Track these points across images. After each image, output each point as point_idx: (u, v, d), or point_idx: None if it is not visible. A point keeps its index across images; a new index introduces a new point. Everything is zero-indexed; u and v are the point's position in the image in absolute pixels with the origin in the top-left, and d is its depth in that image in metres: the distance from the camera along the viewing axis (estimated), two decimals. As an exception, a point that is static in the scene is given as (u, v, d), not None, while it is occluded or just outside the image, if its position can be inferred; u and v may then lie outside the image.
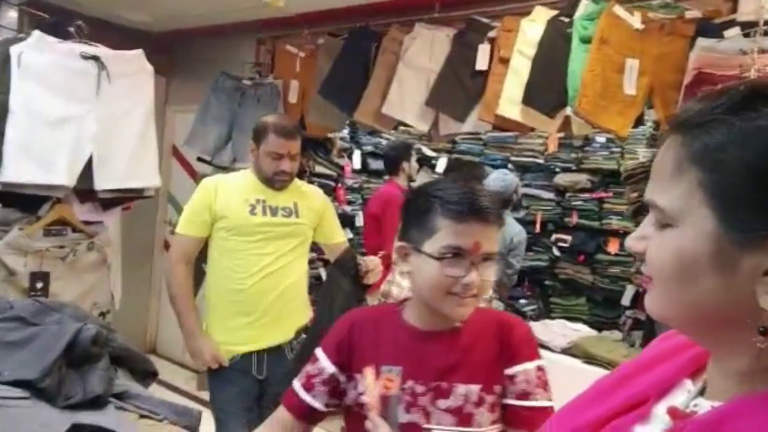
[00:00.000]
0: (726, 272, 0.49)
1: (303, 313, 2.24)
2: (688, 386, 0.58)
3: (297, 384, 1.14)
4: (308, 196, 2.24)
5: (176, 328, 4.12)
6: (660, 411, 0.57)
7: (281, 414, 1.13)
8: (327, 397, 1.11)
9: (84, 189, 2.18)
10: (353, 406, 1.10)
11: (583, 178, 4.31)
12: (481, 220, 1.00)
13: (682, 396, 0.58)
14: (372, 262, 1.95)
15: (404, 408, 1.02)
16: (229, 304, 2.12)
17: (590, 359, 2.37)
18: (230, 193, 2.11)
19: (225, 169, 3.62)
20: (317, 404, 1.11)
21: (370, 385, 0.95)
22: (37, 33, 2.08)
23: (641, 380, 0.62)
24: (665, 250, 0.52)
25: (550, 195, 4.53)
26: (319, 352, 1.14)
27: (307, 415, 1.12)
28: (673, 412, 0.55)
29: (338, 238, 2.33)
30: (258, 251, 2.09)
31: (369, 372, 0.97)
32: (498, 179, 3.44)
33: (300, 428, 1.13)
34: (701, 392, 0.57)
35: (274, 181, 2.12)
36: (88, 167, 2.14)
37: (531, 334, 1.13)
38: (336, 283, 1.86)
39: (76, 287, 2.13)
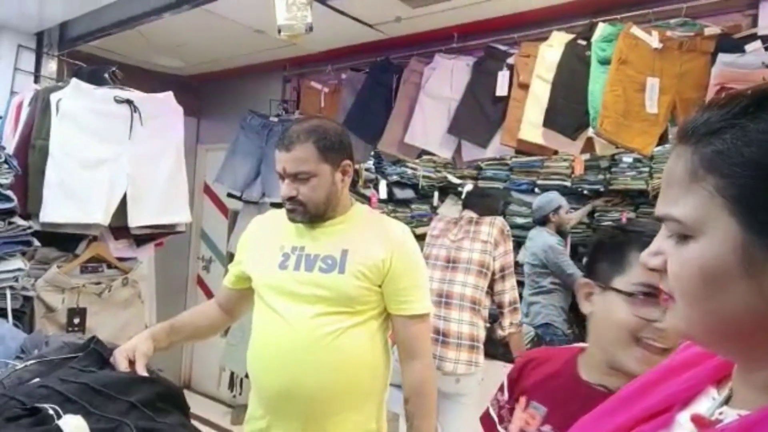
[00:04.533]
0: (757, 279, 0.47)
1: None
2: (713, 394, 0.57)
3: (492, 411, 1.08)
4: (369, 240, 1.48)
5: (210, 363, 4.21)
6: (683, 419, 0.56)
7: None
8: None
9: (119, 226, 2.26)
10: None
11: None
12: None
13: (706, 404, 0.56)
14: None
15: None
16: (252, 389, 1.57)
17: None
18: (266, 237, 1.58)
19: (255, 204, 3.71)
20: None
21: (516, 414, 0.94)
22: (74, 80, 2.21)
23: (665, 388, 0.60)
24: (690, 265, 0.50)
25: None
26: (505, 380, 1.10)
27: None
28: (697, 420, 0.54)
29: (403, 307, 1.48)
30: (274, 323, 1.46)
31: (521, 402, 0.96)
32: (542, 196, 3.76)
33: None
34: (726, 401, 0.55)
35: (287, 215, 1.50)
36: (123, 205, 2.22)
37: None
38: None
39: (112, 322, 2.20)
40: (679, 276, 0.52)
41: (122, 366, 1.24)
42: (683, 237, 0.51)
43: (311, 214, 1.47)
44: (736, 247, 0.48)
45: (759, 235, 0.47)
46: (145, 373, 1.27)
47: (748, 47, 2.14)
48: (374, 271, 1.45)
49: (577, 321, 4.39)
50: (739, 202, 0.48)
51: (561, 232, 3.71)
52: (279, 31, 1.73)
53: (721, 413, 0.54)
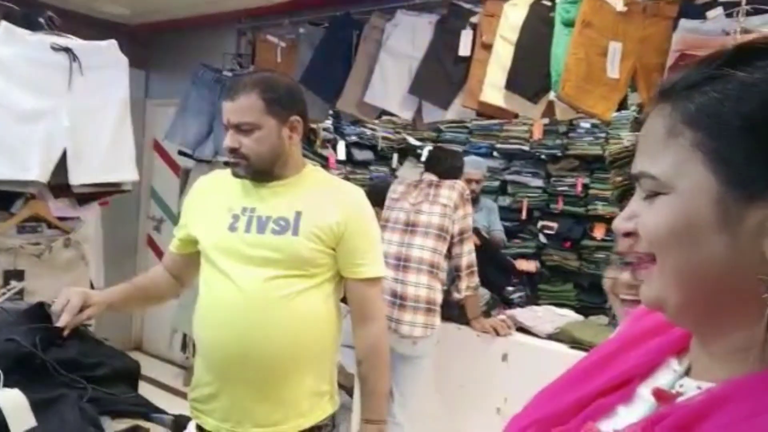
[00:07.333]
0: (731, 231, 0.47)
1: (311, 399, 1.45)
2: (674, 366, 0.57)
3: None
4: (323, 202, 1.45)
5: (162, 324, 4.13)
6: (644, 392, 0.56)
7: None
8: None
9: (59, 184, 2.12)
10: None
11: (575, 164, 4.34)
12: None
13: (667, 375, 0.56)
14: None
15: None
16: (198, 355, 1.53)
17: (576, 344, 2.37)
18: (212, 198, 1.52)
19: (208, 163, 3.58)
20: None
21: None
22: (4, 24, 2.01)
23: (625, 359, 0.60)
24: (660, 216, 0.50)
25: (538, 182, 4.53)
26: None
27: None
28: (658, 393, 0.53)
29: (357, 270, 1.46)
30: (224, 287, 1.41)
31: None
32: None
33: None
34: (687, 372, 0.55)
35: (231, 169, 1.45)
36: (63, 162, 2.08)
37: None
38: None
39: (53, 285, 2.07)
40: (650, 230, 0.51)
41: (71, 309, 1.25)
42: (656, 194, 0.51)
43: (254, 169, 1.42)
44: (711, 201, 0.47)
45: (735, 188, 0.47)
46: (61, 324, 1.23)
47: (710, 14, 2.14)
48: (328, 233, 1.42)
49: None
50: (717, 156, 0.47)
51: None
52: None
53: (681, 385, 0.54)
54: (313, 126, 3.63)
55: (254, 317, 1.37)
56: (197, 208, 1.54)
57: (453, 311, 2.62)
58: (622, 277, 0.97)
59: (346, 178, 4.31)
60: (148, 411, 1.23)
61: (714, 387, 0.49)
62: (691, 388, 0.52)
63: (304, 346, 1.42)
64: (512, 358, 2.51)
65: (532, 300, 4.05)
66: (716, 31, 2.08)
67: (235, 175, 1.44)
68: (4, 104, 1.97)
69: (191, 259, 1.55)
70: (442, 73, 2.74)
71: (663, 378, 0.56)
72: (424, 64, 2.77)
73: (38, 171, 2.00)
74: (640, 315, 0.66)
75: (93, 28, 3.47)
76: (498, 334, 2.52)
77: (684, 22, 2.18)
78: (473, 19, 2.67)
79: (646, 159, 0.52)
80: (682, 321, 0.55)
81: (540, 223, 4.53)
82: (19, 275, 1.98)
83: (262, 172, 1.43)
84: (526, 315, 2.70)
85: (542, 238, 4.53)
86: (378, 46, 2.93)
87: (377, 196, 2.45)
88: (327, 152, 3.99)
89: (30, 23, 2.16)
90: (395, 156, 4.66)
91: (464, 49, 2.67)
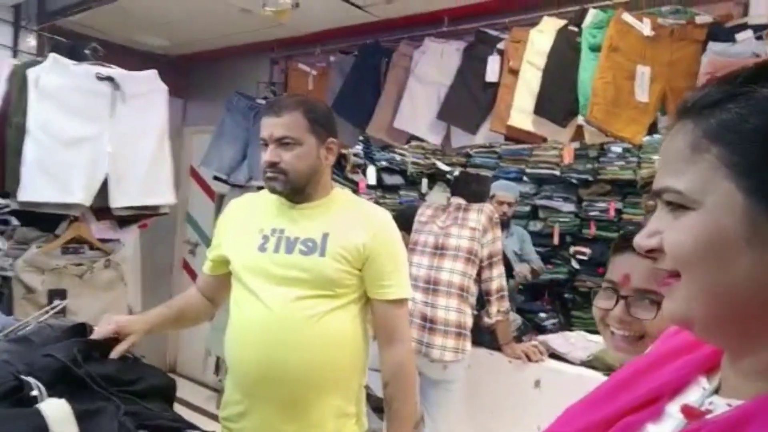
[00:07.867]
0: (760, 247, 0.46)
1: (338, 420, 1.46)
2: (703, 383, 0.56)
3: None
4: (350, 224, 1.46)
5: (196, 347, 4.19)
6: (673, 409, 0.55)
7: None
8: None
9: (101, 207, 2.21)
10: None
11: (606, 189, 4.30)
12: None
13: (696, 393, 0.55)
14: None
15: None
16: (228, 374, 1.55)
17: (610, 371, 2.32)
18: (244, 219, 1.55)
19: (242, 188, 3.67)
20: None
21: None
22: (52, 56, 2.14)
23: (654, 377, 0.59)
24: (686, 232, 0.49)
25: (570, 207, 4.49)
26: None
27: None
28: (687, 411, 0.53)
29: (382, 291, 1.47)
30: (253, 306, 1.44)
31: None
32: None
33: None
34: (716, 390, 0.54)
35: (266, 184, 1.47)
36: (104, 186, 2.18)
37: None
38: None
39: (94, 304, 2.16)
40: (675, 247, 0.50)
41: (104, 333, 1.28)
42: (681, 208, 0.50)
43: (292, 185, 1.45)
44: (738, 216, 0.47)
45: (762, 202, 0.46)
46: (115, 355, 1.27)
47: (739, 36, 2.13)
48: (354, 254, 1.44)
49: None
50: (744, 170, 0.47)
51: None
52: (263, 5, 1.67)
53: (710, 403, 0.53)
54: (344, 152, 3.70)
55: (281, 337, 1.40)
56: (229, 229, 1.58)
57: (484, 336, 2.60)
58: (614, 312, 0.94)
59: (376, 203, 4.36)
60: (184, 427, 1.26)
61: (743, 403, 0.49)
62: (720, 406, 0.52)
63: (330, 366, 1.43)
64: (545, 385, 2.47)
65: (566, 327, 3.99)
66: (746, 53, 2.07)
67: (271, 190, 1.47)
68: (52, 131, 2.08)
69: (223, 280, 1.59)
70: (470, 99, 2.77)
71: (692, 396, 0.56)
72: (452, 90, 2.81)
73: (82, 194, 2.09)
74: (670, 333, 0.65)
75: (134, 58, 3.64)
76: (530, 359, 2.49)
77: (713, 45, 2.18)
78: (500, 46, 2.71)
79: (670, 175, 0.52)
80: (709, 338, 0.54)
81: (572, 249, 4.47)
82: (62, 294, 2.06)
83: (297, 189, 1.46)
84: (558, 341, 2.66)
85: (575, 264, 4.47)
86: (407, 73, 2.98)
87: (404, 221, 2.47)
88: (357, 177, 4.05)
89: (76, 54, 2.29)
90: (425, 181, 4.68)
91: (492, 75, 2.70)
